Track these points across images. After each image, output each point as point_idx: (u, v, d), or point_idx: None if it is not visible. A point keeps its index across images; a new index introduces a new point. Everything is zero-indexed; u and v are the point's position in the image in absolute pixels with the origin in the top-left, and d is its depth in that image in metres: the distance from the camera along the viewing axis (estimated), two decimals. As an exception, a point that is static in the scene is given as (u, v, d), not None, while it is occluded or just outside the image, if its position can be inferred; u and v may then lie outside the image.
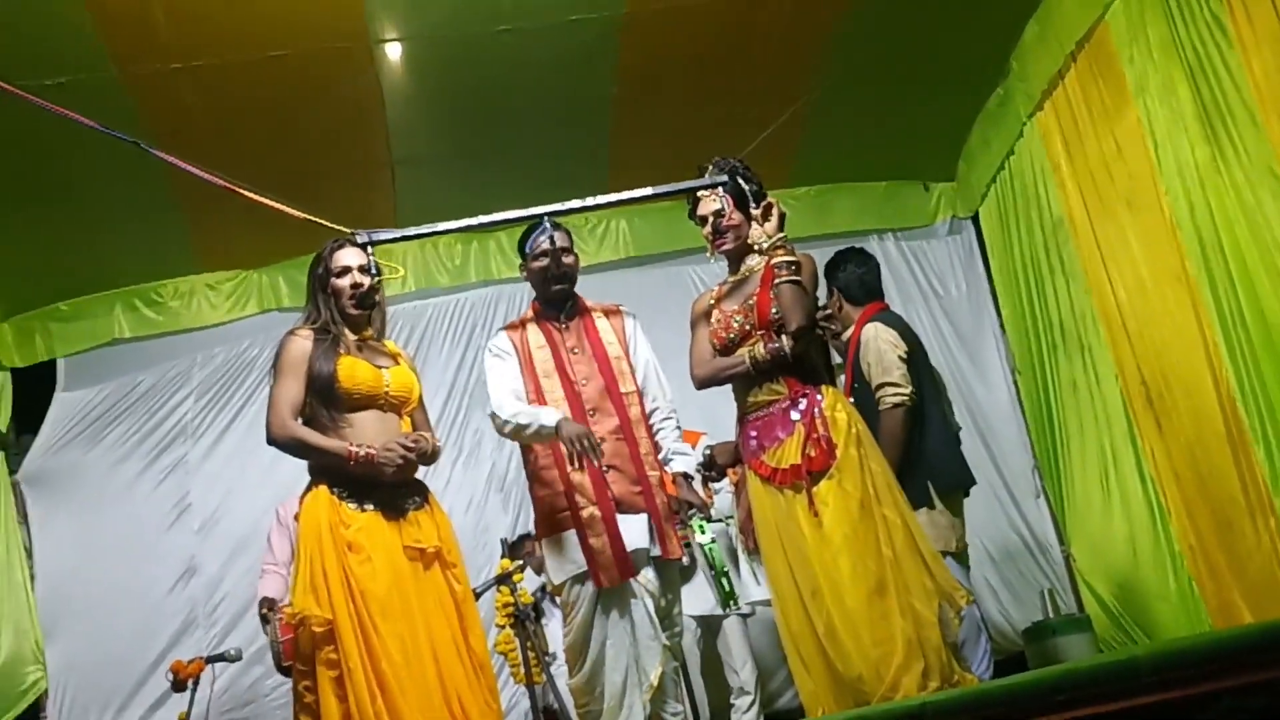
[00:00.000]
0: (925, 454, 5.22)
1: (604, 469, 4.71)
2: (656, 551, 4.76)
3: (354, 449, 4.15)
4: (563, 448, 4.61)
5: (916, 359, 5.36)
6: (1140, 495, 6.17)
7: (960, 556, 5.25)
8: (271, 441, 4.27)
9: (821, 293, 5.08)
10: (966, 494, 5.51)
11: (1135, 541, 6.28)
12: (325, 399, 4.24)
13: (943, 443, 5.35)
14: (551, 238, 4.85)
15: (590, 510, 4.69)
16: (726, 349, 4.71)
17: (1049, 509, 7.47)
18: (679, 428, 5.01)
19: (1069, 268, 6.64)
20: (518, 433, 4.76)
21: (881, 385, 5.22)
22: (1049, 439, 7.17)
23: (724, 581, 4.91)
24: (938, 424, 5.35)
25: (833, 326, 5.54)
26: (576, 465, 4.62)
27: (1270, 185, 4.78)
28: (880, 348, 5.28)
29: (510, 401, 4.82)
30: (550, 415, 4.68)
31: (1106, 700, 3.26)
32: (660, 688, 4.73)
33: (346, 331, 4.39)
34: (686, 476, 4.89)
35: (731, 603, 5.16)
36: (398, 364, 4.47)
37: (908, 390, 5.18)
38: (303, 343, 4.31)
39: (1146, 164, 5.66)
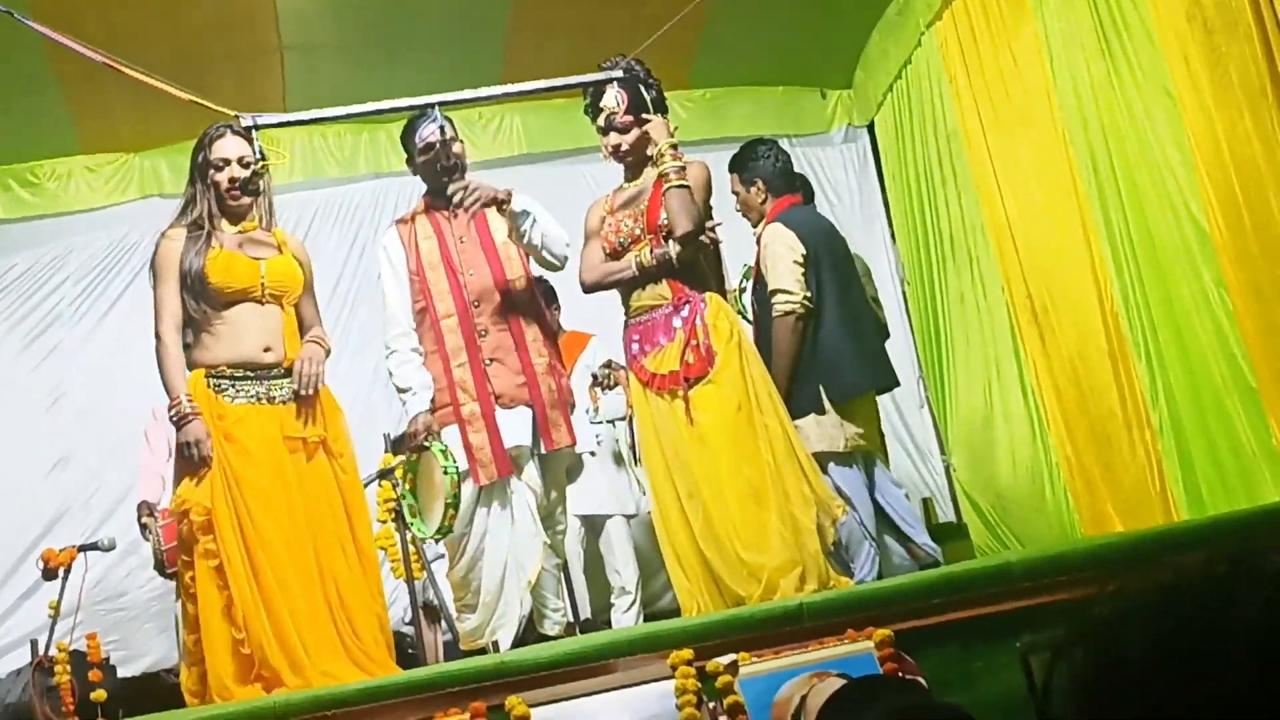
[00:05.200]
0: (819, 358, 5.18)
1: (486, 362, 4.69)
2: (543, 449, 4.76)
3: (183, 405, 4.07)
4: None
5: (821, 258, 5.26)
6: (1021, 408, 6.26)
7: (847, 457, 5.19)
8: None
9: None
10: (881, 393, 5.56)
11: (1015, 453, 6.38)
12: (198, 296, 4.18)
13: (839, 346, 5.24)
14: (441, 128, 4.76)
15: (471, 406, 4.69)
16: (615, 254, 4.69)
17: (932, 419, 7.56)
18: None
19: (961, 180, 6.67)
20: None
21: (775, 292, 5.19)
22: (935, 350, 7.24)
23: None
24: (835, 327, 5.23)
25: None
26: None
27: (1163, 104, 4.82)
28: (776, 251, 5.22)
29: (398, 343, 4.81)
30: (416, 403, 4.70)
31: (981, 604, 3.33)
32: (539, 584, 4.75)
33: (224, 224, 4.31)
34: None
35: None
36: (281, 254, 4.38)
37: (799, 297, 5.14)
38: (172, 245, 4.26)
39: (1042, 79, 5.67)
